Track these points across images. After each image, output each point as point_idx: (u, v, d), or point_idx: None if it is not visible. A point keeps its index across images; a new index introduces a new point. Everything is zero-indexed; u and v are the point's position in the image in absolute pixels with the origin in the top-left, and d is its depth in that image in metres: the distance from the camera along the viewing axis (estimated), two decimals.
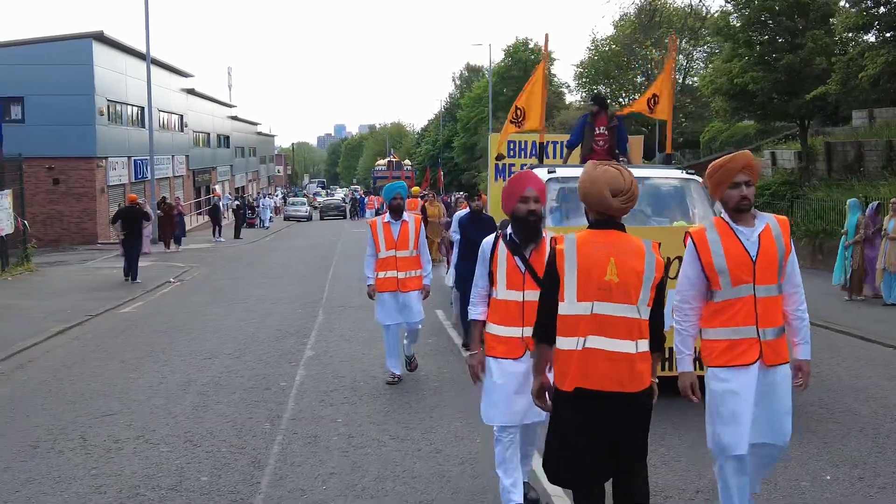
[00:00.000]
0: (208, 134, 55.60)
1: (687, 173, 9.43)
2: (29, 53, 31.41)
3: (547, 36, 11.07)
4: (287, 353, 10.81)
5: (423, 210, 19.68)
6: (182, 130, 47.02)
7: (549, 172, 9.03)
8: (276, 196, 72.03)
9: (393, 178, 61.00)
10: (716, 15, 26.01)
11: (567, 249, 4.05)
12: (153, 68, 36.37)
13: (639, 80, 74.66)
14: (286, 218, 57.63)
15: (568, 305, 4.04)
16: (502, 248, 5.07)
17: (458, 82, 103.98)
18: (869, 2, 18.92)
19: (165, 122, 43.71)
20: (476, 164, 70.60)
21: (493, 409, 5.03)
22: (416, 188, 24.24)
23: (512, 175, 5.14)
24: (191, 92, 49.91)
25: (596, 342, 3.97)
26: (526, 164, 12.18)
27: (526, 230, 4.99)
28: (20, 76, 30.75)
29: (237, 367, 9.97)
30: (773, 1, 22.49)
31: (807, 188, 22.96)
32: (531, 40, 78.06)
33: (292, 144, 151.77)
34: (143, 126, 38.64)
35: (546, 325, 4.16)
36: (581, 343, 3.99)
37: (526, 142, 12.69)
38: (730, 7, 24.64)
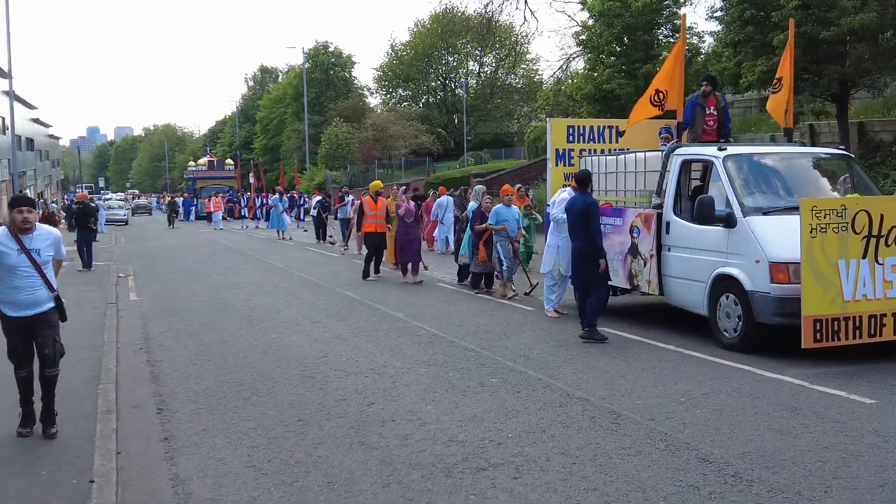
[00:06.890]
0: (20, 137, 53.20)
1: (838, 149, 10.78)
2: None
3: (684, 16, 12.87)
4: (408, 331, 12.66)
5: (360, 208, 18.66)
6: (4, 133, 45.14)
7: (719, 150, 9.94)
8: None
9: (217, 180, 60.96)
10: (578, 28, 30.06)
11: None
12: None
13: (434, 84, 79.51)
14: (106, 222, 55.90)
15: None
16: None
17: (250, 83, 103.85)
18: None
19: None
20: (277, 164, 70.78)
21: None
22: (377, 182, 19.90)
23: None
24: (7, 93, 47.80)
25: None
26: (585, 149, 13.19)
27: None
28: None
29: (403, 346, 10.88)
30: (634, 19, 26.63)
31: None
32: (330, 44, 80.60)
33: (77, 146, 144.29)
34: None
35: None
36: None
37: (584, 126, 13.55)
38: (590, 21, 28.66)
